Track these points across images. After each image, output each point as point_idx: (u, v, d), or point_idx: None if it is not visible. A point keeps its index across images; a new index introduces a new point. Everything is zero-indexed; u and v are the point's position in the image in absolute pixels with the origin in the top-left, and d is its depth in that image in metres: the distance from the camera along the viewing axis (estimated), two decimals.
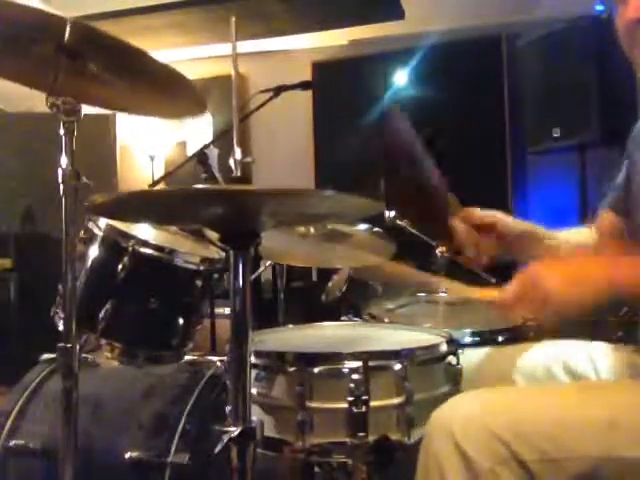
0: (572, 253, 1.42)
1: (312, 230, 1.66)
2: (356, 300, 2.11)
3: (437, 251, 2.32)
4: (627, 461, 0.94)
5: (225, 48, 2.69)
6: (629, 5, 1.20)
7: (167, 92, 1.35)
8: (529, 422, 0.99)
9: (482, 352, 1.47)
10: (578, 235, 1.48)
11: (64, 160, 1.27)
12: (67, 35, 1.16)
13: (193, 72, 4.69)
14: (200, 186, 0.95)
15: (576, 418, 0.99)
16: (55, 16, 1.15)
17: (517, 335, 1.69)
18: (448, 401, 1.07)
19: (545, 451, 0.95)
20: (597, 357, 1.29)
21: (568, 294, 1.03)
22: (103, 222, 1.54)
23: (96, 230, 1.55)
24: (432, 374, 1.31)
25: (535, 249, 1.42)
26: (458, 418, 1.00)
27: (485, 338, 1.65)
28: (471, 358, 1.39)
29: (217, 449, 1.01)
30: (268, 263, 2.30)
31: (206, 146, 1.69)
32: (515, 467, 0.95)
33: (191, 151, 4.49)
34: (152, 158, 4.75)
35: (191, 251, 1.62)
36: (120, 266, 1.50)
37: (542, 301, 1.04)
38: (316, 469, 1.41)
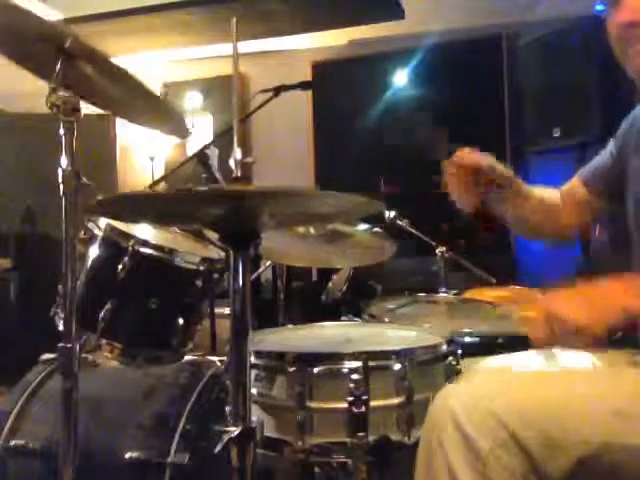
0: (542, 211, 1.46)
1: (312, 230, 1.66)
2: (356, 300, 2.11)
3: (437, 251, 2.32)
4: (630, 449, 0.95)
5: (225, 48, 2.69)
6: (622, 8, 1.19)
7: (158, 112, 1.38)
8: (532, 405, 0.99)
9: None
10: (551, 194, 1.51)
11: (64, 160, 1.27)
12: (67, 45, 1.17)
13: (194, 72, 4.70)
14: (200, 187, 0.95)
15: (581, 403, 0.99)
16: (56, 26, 1.16)
17: (517, 336, 1.69)
18: (451, 384, 1.07)
19: (547, 433, 0.96)
20: (597, 357, 1.29)
21: (587, 324, 1.02)
22: (103, 222, 1.54)
23: (96, 230, 1.55)
24: (432, 374, 1.32)
25: (513, 199, 1.43)
26: (461, 400, 1.01)
27: (485, 338, 1.65)
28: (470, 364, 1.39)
29: (217, 449, 1.01)
30: (268, 263, 2.30)
31: (206, 146, 1.69)
32: (516, 449, 0.96)
33: (191, 151, 4.49)
34: (152, 158, 4.75)
35: (191, 251, 1.62)
36: (120, 266, 1.50)
37: (564, 331, 1.03)
38: (316, 469, 1.41)
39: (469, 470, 0.96)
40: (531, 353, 1.26)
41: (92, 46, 1.21)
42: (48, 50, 1.23)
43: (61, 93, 1.23)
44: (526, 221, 1.48)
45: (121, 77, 1.29)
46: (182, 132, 1.52)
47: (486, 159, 1.40)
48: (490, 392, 1.03)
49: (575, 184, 1.48)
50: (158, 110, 1.44)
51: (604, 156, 1.44)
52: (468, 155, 1.40)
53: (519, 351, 1.30)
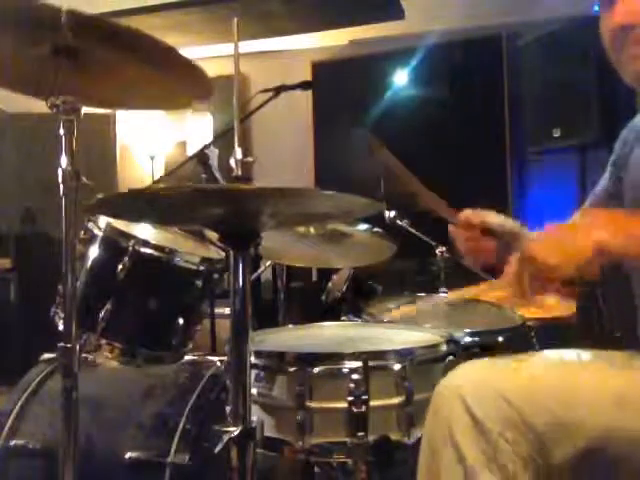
0: None
1: (312, 230, 1.66)
2: (356, 300, 2.11)
3: (437, 251, 2.32)
4: (631, 438, 0.95)
5: (225, 48, 2.69)
6: (615, 11, 1.17)
7: (171, 75, 1.32)
8: (541, 387, 1.00)
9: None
10: None
11: (64, 160, 1.27)
12: (64, 24, 1.14)
13: None
14: (200, 185, 0.95)
15: (589, 388, 1.00)
16: (50, 7, 1.14)
17: (517, 335, 1.69)
18: (458, 367, 1.07)
19: (556, 414, 0.96)
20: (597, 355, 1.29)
21: (556, 263, 0.99)
22: (103, 222, 1.54)
23: (96, 230, 1.55)
24: (432, 374, 1.32)
25: None
26: (469, 382, 1.02)
27: (485, 338, 1.65)
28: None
29: (217, 449, 1.01)
30: (268, 263, 2.30)
31: (206, 146, 1.69)
32: (525, 431, 0.96)
33: (191, 151, 4.49)
34: (152, 158, 4.75)
35: (191, 251, 1.62)
36: (120, 266, 1.50)
37: (541, 275, 1.02)
38: (316, 469, 1.41)
39: (477, 452, 0.96)
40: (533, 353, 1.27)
41: (90, 15, 1.16)
42: (46, 48, 1.22)
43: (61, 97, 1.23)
44: None
45: (131, 40, 1.21)
46: (203, 91, 1.41)
47: (493, 217, 1.37)
48: (499, 376, 1.03)
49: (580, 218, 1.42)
50: (174, 72, 1.31)
51: (603, 181, 1.41)
52: (474, 215, 1.37)
53: (519, 351, 1.30)
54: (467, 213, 1.37)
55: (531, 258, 1.01)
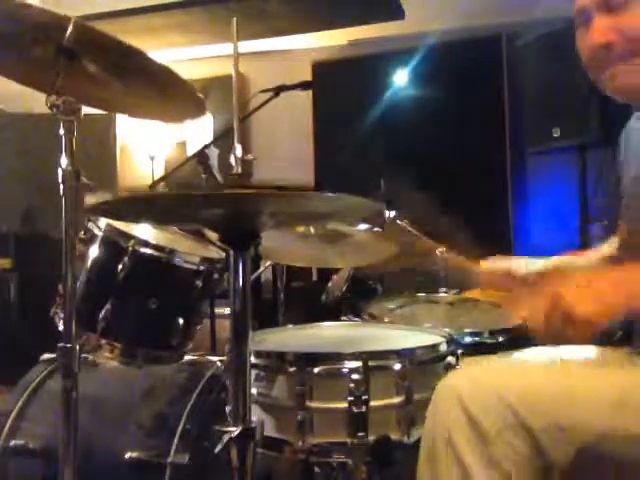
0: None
1: (312, 230, 1.66)
2: (356, 300, 2.11)
3: (437, 251, 2.32)
4: (630, 439, 0.95)
5: (225, 48, 2.69)
6: (593, 30, 1.17)
7: (166, 94, 1.36)
8: (539, 389, 1.00)
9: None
10: (601, 253, 1.46)
11: (64, 160, 1.27)
12: (68, 34, 1.16)
13: (194, 72, 4.69)
14: (200, 190, 0.96)
15: (587, 391, 1.00)
16: (57, 15, 1.15)
17: (517, 335, 1.69)
18: (458, 367, 1.07)
19: (553, 417, 0.96)
20: (597, 353, 1.29)
21: (589, 314, 1.00)
22: (103, 222, 1.54)
23: (96, 230, 1.55)
24: (432, 374, 1.31)
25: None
26: (467, 383, 1.02)
27: (485, 338, 1.65)
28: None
29: (217, 449, 1.01)
30: (268, 263, 2.30)
31: (206, 146, 1.69)
32: (523, 433, 0.96)
33: (191, 151, 4.48)
34: (152, 158, 4.75)
35: (191, 251, 1.62)
36: (120, 266, 1.50)
37: (565, 322, 1.01)
38: (316, 469, 1.41)
39: (474, 452, 0.96)
40: (533, 350, 1.27)
41: (94, 27, 1.18)
42: (48, 49, 1.23)
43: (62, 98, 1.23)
44: None
45: (128, 57, 1.25)
46: (196, 111, 1.44)
47: (515, 262, 1.39)
48: (498, 377, 1.03)
49: (622, 230, 1.41)
50: (168, 90, 1.37)
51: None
52: (494, 264, 1.39)
53: (519, 350, 1.30)
54: (488, 264, 1.38)
55: (565, 305, 1.00)
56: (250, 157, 1.82)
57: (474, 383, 1.02)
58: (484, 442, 0.96)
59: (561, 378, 1.04)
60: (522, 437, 0.96)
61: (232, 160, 1.72)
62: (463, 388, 1.01)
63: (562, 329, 1.01)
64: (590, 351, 1.27)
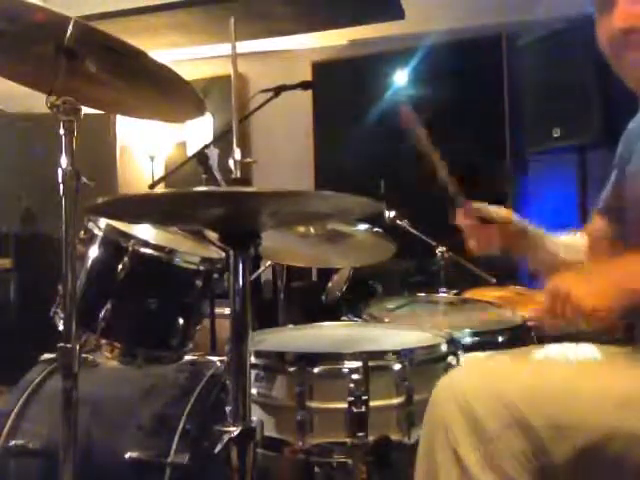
0: (573, 258, 1.41)
1: (312, 230, 1.66)
2: (356, 300, 2.11)
3: (437, 251, 2.32)
4: (633, 438, 0.94)
5: (225, 48, 2.69)
6: (615, 14, 1.15)
7: (166, 94, 1.36)
8: (540, 388, 0.99)
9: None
10: (576, 240, 1.47)
11: (64, 160, 1.27)
12: (68, 34, 1.16)
13: (193, 72, 4.70)
14: (200, 189, 0.96)
15: (589, 390, 0.99)
16: (58, 14, 1.16)
17: (517, 335, 1.69)
18: (457, 366, 1.07)
19: (554, 417, 0.95)
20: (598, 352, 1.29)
21: (595, 305, 1.00)
22: (103, 222, 1.54)
23: (96, 230, 1.55)
24: (432, 374, 1.31)
25: (535, 249, 1.42)
26: (467, 381, 1.01)
27: (485, 338, 1.65)
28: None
29: (217, 449, 1.01)
30: (268, 263, 2.30)
31: (206, 146, 1.69)
32: (524, 432, 0.95)
33: (191, 151, 4.48)
34: (152, 158, 4.75)
35: (191, 251, 1.62)
36: (120, 266, 1.50)
37: (573, 310, 1.01)
38: (316, 469, 1.41)
39: (474, 452, 0.95)
40: (534, 348, 1.27)
41: (94, 27, 1.18)
42: (48, 49, 1.23)
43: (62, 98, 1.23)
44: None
45: (128, 57, 1.25)
46: (196, 111, 1.44)
47: (498, 211, 1.40)
48: (498, 376, 1.03)
49: (597, 220, 1.43)
50: (168, 90, 1.37)
51: (609, 185, 1.41)
52: (479, 207, 1.40)
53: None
54: (477, 205, 1.41)
55: (564, 290, 1.01)
56: (249, 160, 1.82)
57: (474, 383, 1.01)
58: (484, 442, 0.95)
59: (563, 377, 1.04)
60: (523, 436, 0.95)
61: (230, 163, 1.72)
62: (463, 387, 1.00)
63: (564, 314, 1.01)
64: (593, 350, 1.27)
